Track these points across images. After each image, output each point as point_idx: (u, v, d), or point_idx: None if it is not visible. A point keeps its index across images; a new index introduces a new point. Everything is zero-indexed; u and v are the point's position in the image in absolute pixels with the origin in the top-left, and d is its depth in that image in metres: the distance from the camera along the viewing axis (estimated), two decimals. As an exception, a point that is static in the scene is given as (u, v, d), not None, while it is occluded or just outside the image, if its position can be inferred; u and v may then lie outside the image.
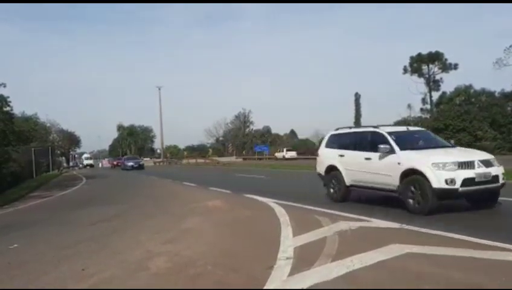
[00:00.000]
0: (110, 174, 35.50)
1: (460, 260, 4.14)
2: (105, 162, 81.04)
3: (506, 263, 3.98)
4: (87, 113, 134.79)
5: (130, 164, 40.63)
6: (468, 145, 33.25)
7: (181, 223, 7.48)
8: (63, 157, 74.60)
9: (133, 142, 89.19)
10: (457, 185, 6.59)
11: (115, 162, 56.80)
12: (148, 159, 63.30)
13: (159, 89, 56.88)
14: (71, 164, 73.31)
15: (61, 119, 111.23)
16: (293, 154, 50.75)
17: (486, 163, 6.98)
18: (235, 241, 5.89)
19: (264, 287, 3.64)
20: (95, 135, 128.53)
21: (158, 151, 65.94)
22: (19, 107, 45.11)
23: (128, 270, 4.58)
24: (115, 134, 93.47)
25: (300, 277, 3.86)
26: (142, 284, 4.04)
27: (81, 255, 5.56)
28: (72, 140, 78.86)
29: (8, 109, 19.53)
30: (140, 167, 39.89)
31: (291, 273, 3.96)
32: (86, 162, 75.82)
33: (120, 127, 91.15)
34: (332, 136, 9.71)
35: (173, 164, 54.65)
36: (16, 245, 6.57)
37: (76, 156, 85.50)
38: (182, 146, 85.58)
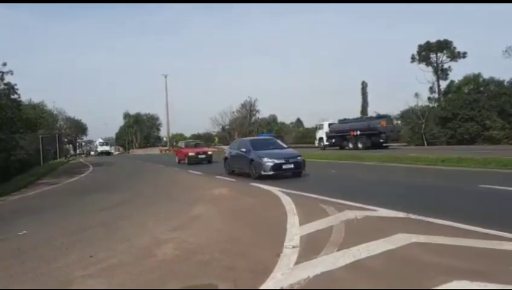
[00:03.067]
0: (117, 161, 35.68)
1: (466, 249, 4.13)
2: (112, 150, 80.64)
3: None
4: (94, 101, 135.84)
5: (271, 162, 12.35)
6: (477, 134, 32.96)
7: (188, 211, 7.53)
8: (70, 145, 75.09)
9: (139, 130, 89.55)
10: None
11: (190, 152, 24.12)
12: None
13: (165, 76, 56.70)
14: (78, 151, 73.51)
15: (68, 107, 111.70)
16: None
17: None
18: (242, 229, 5.92)
19: (271, 274, 3.66)
20: (102, 123, 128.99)
21: (164, 139, 65.83)
22: (26, 94, 45.27)
23: (136, 257, 4.62)
24: (121, 122, 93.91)
25: (307, 265, 3.87)
26: (150, 271, 4.09)
27: (89, 241, 5.63)
28: (79, 128, 79.24)
29: (15, 96, 19.68)
30: (298, 168, 12.67)
31: (298, 262, 3.98)
32: (100, 148, 64.40)
33: (126, 115, 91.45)
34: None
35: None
36: (25, 231, 6.66)
37: (83, 143, 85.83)
38: (188, 134, 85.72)
